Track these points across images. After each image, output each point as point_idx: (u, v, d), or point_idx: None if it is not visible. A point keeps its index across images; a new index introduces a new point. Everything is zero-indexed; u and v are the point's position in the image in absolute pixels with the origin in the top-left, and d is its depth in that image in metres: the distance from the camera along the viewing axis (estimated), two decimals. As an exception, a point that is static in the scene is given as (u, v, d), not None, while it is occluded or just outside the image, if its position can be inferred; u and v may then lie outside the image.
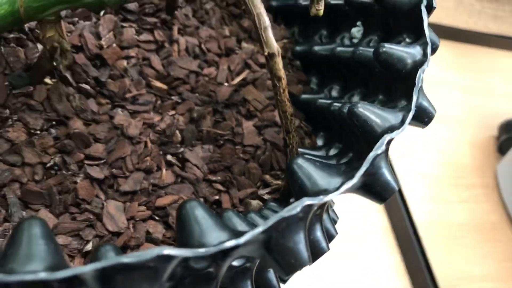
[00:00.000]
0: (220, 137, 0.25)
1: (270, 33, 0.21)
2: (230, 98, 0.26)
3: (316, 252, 0.15)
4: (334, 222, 0.21)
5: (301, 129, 0.27)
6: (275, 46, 0.21)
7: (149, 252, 0.11)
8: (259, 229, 0.12)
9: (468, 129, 0.77)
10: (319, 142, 0.27)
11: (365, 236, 0.54)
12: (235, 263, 0.16)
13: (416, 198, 0.64)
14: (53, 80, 0.23)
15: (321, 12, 0.21)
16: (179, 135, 0.24)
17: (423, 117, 0.18)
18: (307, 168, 0.16)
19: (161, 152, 0.23)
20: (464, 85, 0.83)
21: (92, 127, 0.23)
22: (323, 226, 0.16)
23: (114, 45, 0.26)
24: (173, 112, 0.25)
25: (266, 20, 0.21)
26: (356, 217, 0.55)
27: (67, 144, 0.22)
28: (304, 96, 0.27)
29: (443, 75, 0.82)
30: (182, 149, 0.24)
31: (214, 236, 0.12)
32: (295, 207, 0.13)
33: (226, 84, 0.27)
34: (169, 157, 0.23)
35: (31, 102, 0.22)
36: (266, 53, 0.21)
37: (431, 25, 0.76)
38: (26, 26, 0.24)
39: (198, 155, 0.24)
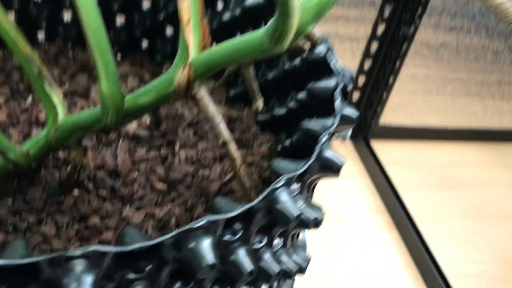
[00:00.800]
0: (208, 219, 0.31)
1: (222, 128, 0.27)
2: (220, 190, 0.33)
3: (237, 269, 0.20)
4: (290, 272, 0.25)
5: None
6: (226, 136, 0.27)
7: (87, 247, 0.17)
8: (169, 235, 0.18)
9: (521, 223, 0.76)
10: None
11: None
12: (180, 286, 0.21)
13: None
14: (79, 190, 0.31)
15: (260, 107, 0.28)
16: (174, 221, 0.30)
17: (331, 167, 0.24)
18: (224, 201, 0.21)
19: (159, 234, 0.29)
20: (510, 182, 0.83)
21: (105, 220, 0.30)
22: (249, 251, 0.21)
23: (128, 162, 0.33)
24: (170, 204, 0.31)
25: (218, 118, 0.28)
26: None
27: (85, 234, 0.29)
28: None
29: (486, 175, 0.83)
30: (176, 231, 0.30)
31: (138, 244, 0.18)
32: (201, 221, 0.19)
33: (218, 181, 0.34)
34: (165, 237, 0.29)
35: (62, 208, 0.30)
36: (221, 142, 0.28)
37: (463, 130, 0.80)
38: (61, 156, 0.33)
39: (190, 234, 0.29)
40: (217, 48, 0.27)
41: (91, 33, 0.26)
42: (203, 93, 0.28)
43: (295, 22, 0.23)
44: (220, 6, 0.41)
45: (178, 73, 0.27)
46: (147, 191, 0.32)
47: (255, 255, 0.22)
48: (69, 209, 0.30)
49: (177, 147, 0.35)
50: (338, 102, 0.26)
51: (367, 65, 0.75)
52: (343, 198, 0.73)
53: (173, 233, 0.18)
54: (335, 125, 0.25)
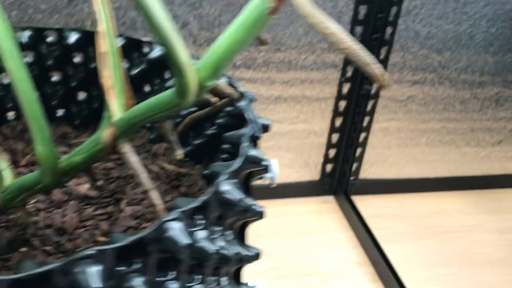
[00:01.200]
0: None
1: (143, 177, 0.30)
2: (159, 240, 0.35)
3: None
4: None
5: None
6: (148, 184, 0.30)
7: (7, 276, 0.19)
8: (58, 263, 0.20)
9: (509, 269, 0.75)
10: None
11: None
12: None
13: None
14: (27, 247, 0.34)
15: (180, 156, 0.31)
16: (111, 269, 0.32)
17: (229, 202, 0.26)
18: (120, 235, 0.24)
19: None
20: (498, 227, 0.83)
21: (47, 273, 0.32)
22: (148, 281, 0.23)
23: (75, 220, 0.36)
24: (110, 255, 0.33)
25: (139, 170, 0.30)
26: None
27: (27, 286, 0.31)
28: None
29: (470, 222, 0.84)
30: (112, 278, 0.32)
31: (29, 272, 0.20)
32: (90, 250, 0.21)
33: (160, 232, 0.36)
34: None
35: (8, 264, 0.32)
36: (144, 190, 0.30)
37: (443, 179, 0.82)
38: (12, 216, 0.36)
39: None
40: (136, 107, 0.30)
41: (24, 102, 0.30)
42: (127, 148, 0.31)
43: (191, 80, 0.27)
44: (167, 75, 0.45)
45: (104, 133, 0.31)
46: (90, 245, 0.34)
47: (159, 286, 0.24)
48: (15, 265, 0.32)
49: (123, 204, 0.38)
50: (243, 146, 0.29)
51: (338, 122, 0.78)
52: (327, 253, 0.74)
53: (63, 262, 0.20)
54: (236, 166, 0.27)
